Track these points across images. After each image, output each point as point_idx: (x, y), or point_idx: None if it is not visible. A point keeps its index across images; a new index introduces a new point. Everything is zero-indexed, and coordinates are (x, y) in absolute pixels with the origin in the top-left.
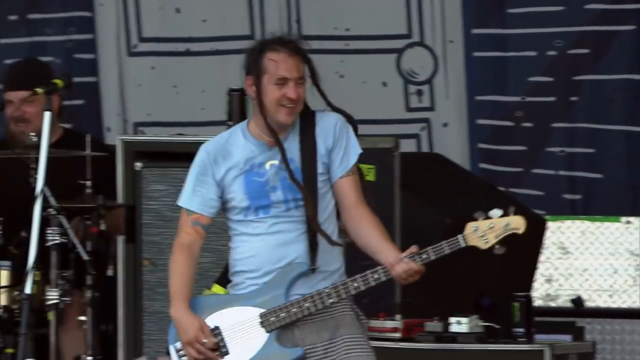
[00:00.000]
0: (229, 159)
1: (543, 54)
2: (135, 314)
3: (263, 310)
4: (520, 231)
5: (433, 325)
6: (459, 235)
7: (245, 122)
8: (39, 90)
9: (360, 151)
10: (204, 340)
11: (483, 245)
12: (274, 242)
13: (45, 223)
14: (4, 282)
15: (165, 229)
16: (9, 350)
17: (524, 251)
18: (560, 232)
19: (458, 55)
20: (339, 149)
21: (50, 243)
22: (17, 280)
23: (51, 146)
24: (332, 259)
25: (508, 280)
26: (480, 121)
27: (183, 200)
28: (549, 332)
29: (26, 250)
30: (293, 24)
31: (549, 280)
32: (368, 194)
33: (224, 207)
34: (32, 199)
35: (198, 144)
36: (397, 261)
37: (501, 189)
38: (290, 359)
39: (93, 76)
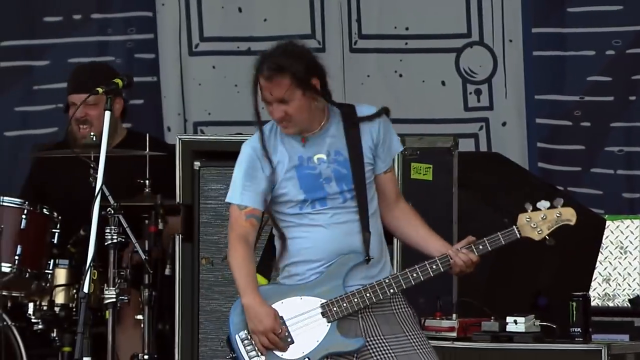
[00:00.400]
0: (275, 154)
1: (602, 53)
2: (192, 313)
3: (324, 301)
4: (572, 222)
5: (490, 325)
6: (513, 226)
7: None
8: (100, 89)
9: (402, 148)
10: (279, 330)
11: (537, 236)
12: (335, 234)
13: (103, 222)
14: (62, 281)
15: (223, 228)
16: (66, 349)
17: (582, 250)
18: (619, 232)
19: (517, 55)
20: (383, 144)
21: (108, 242)
22: (75, 279)
23: (115, 147)
24: (382, 248)
25: (566, 280)
26: (539, 120)
27: (234, 198)
28: (607, 331)
29: (84, 249)
30: (353, 23)
31: (607, 280)
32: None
33: (273, 200)
34: (91, 198)
35: None
36: (455, 252)
37: (560, 188)
38: (353, 348)
39: (153, 76)
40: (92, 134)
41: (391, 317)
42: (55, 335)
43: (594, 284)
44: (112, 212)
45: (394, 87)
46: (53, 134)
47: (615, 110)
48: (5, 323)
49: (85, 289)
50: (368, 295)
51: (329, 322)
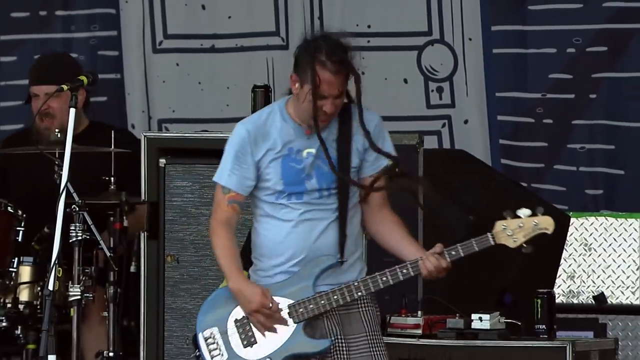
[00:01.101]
0: (268, 140)
1: (562, 51)
2: (158, 310)
3: (291, 302)
4: (549, 231)
5: (455, 322)
6: (488, 233)
7: (283, 101)
8: (65, 86)
9: (395, 155)
10: (270, 305)
11: (512, 244)
12: (305, 230)
13: (68, 219)
14: (27, 278)
15: (189, 225)
16: (31, 346)
17: (546, 247)
18: (583, 229)
19: (477, 53)
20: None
21: (73, 239)
22: (39, 276)
23: (76, 137)
24: (355, 246)
25: (530, 277)
26: (501, 117)
27: (222, 178)
28: (571, 329)
29: (49, 247)
30: (315, 20)
31: (571, 277)
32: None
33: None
34: (56, 195)
35: (222, 140)
36: (427, 257)
37: (524, 184)
38: (318, 350)
39: (117, 73)
40: (56, 130)
41: (355, 316)
42: (19, 332)
43: (558, 281)
44: (77, 209)
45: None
46: (20, 130)
47: (576, 108)
48: None
49: (50, 287)
50: (335, 297)
51: (295, 322)
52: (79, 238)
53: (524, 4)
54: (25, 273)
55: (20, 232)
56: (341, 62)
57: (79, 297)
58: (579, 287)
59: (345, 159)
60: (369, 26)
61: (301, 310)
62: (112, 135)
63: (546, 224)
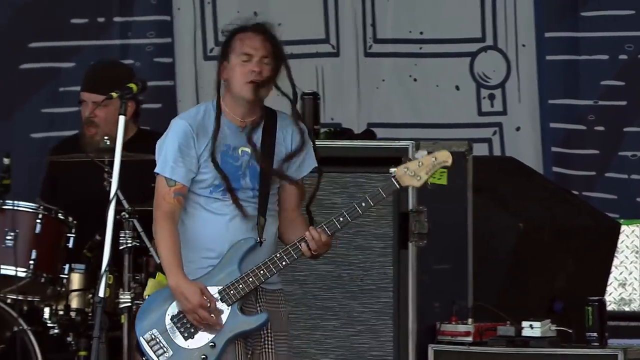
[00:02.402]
0: (206, 136)
1: (615, 57)
2: None
3: (220, 287)
4: (449, 163)
5: (505, 329)
6: (391, 177)
7: (213, 101)
8: (114, 94)
9: (316, 165)
10: (208, 304)
11: (416, 182)
12: (239, 225)
13: (118, 226)
14: (78, 286)
15: None
16: (82, 353)
17: (597, 255)
18: (634, 236)
19: (530, 59)
20: (297, 157)
21: (123, 246)
22: (90, 284)
23: (124, 144)
24: (273, 230)
25: (581, 284)
26: (553, 125)
27: (166, 170)
28: (623, 336)
29: (100, 254)
30: (368, 27)
31: (622, 285)
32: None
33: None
34: (106, 202)
35: None
36: (310, 234)
37: (575, 192)
38: (257, 324)
39: (170, 80)
40: (105, 138)
41: (277, 315)
42: (71, 339)
43: (609, 289)
44: (127, 216)
45: (409, 92)
46: (69, 137)
47: (628, 115)
48: (21, 327)
49: (101, 294)
50: (262, 272)
51: (228, 305)
52: (129, 245)
53: (576, 11)
54: (77, 280)
55: (71, 238)
56: (259, 25)
57: (129, 304)
58: (630, 294)
59: (269, 160)
60: (421, 33)
61: (232, 292)
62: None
63: (444, 157)
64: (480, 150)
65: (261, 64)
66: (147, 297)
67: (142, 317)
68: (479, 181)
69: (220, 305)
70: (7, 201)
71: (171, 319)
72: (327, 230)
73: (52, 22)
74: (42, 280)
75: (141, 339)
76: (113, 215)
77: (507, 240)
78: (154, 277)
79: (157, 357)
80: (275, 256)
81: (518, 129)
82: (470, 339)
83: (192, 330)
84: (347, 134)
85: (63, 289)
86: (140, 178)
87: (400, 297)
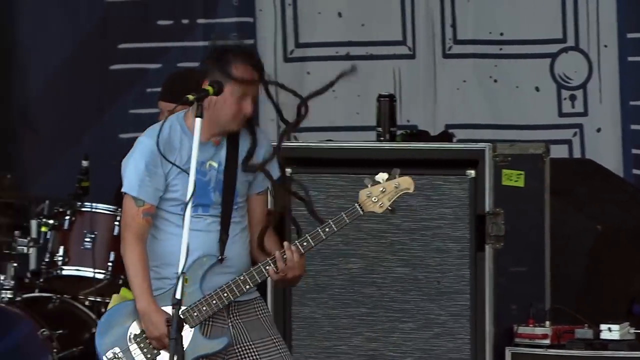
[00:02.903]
0: (173, 152)
1: None
2: (285, 319)
3: (184, 308)
4: (411, 190)
5: (583, 332)
6: (355, 204)
7: (180, 115)
8: (190, 97)
9: (279, 175)
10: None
11: (378, 209)
12: (213, 240)
13: None
14: None
15: None
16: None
17: None
18: None
19: (612, 60)
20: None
21: None
22: None
23: None
24: (240, 250)
25: None
26: (635, 127)
27: (133, 189)
28: None
29: None
30: (448, 28)
31: None
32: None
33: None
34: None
35: (347, 150)
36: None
37: None
38: (218, 348)
39: None
40: None
41: (257, 322)
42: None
43: None
44: None
45: (489, 93)
46: None
47: None
48: None
49: (178, 295)
50: (225, 294)
51: (191, 327)
52: None
53: None
54: None
55: None
56: (258, 64)
57: None
58: None
59: (233, 172)
60: (501, 34)
61: (195, 314)
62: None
63: (406, 184)
64: (560, 151)
65: (252, 103)
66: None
67: (103, 333)
68: (556, 183)
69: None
70: (86, 203)
71: (134, 338)
72: (305, 244)
73: (140, 24)
74: (120, 282)
75: (104, 358)
76: (189, 218)
77: (584, 243)
78: None
79: None
80: (239, 278)
81: (599, 130)
82: (547, 341)
83: (155, 352)
84: (423, 136)
85: None
86: None
87: (477, 299)
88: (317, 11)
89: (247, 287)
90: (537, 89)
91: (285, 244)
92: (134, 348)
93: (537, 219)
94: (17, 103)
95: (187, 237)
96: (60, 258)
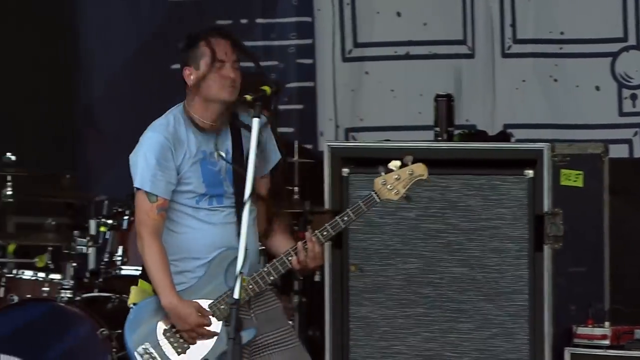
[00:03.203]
0: (182, 146)
1: None
2: (342, 319)
3: (211, 301)
4: (425, 177)
5: None
6: (371, 192)
7: (179, 110)
8: (248, 97)
9: (280, 157)
10: (205, 322)
11: (394, 196)
12: (227, 233)
13: None
14: None
15: (372, 235)
16: None
17: None
18: None
19: None
20: (262, 151)
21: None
22: None
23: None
24: (254, 239)
25: None
26: None
27: (146, 185)
28: None
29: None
30: (507, 28)
31: None
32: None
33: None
34: None
35: (405, 149)
36: (301, 246)
37: None
38: (248, 339)
39: (311, 81)
40: None
41: (272, 313)
42: None
43: None
44: None
45: (549, 92)
46: None
47: None
48: None
49: (236, 295)
50: (251, 287)
51: (219, 320)
52: (263, 247)
53: None
54: None
55: None
56: (224, 30)
57: None
58: None
59: (240, 159)
60: (562, 33)
61: (222, 307)
62: (295, 146)
63: (420, 170)
64: (621, 151)
65: (234, 68)
66: (132, 305)
67: (132, 330)
68: (616, 183)
69: (212, 320)
70: None
71: (163, 333)
72: (325, 234)
73: (200, 23)
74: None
75: (135, 353)
76: (247, 217)
77: None
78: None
79: None
80: (263, 271)
81: None
82: (607, 342)
83: (185, 346)
84: (481, 136)
85: None
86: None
87: (536, 299)
88: (376, 11)
89: (271, 278)
90: (597, 88)
91: (307, 234)
92: (164, 343)
93: (596, 219)
94: (81, 103)
95: (244, 236)
96: (119, 258)
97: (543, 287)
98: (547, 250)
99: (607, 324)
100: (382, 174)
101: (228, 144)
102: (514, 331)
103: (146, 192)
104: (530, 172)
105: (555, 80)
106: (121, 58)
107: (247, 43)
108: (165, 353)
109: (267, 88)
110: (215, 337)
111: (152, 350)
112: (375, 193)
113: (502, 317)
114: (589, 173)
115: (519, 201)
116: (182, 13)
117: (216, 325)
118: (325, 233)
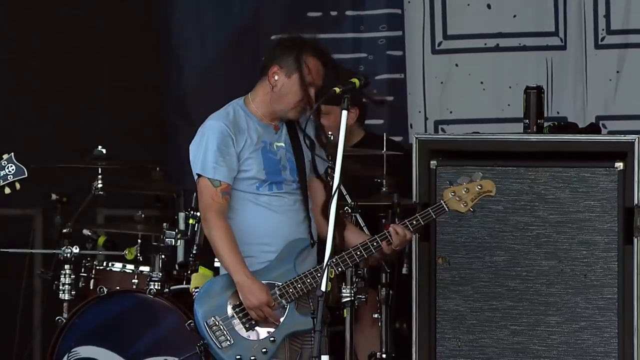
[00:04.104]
0: (243, 134)
1: None
2: (430, 312)
3: (280, 284)
4: (493, 193)
5: None
6: (441, 201)
7: (239, 103)
8: (337, 89)
9: (328, 164)
10: (272, 303)
11: (462, 208)
12: (287, 220)
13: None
14: None
15: (460, 227)
16: None
17: None
18: None
19: None
20: (320, 152)
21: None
22: None
23: (352, 147)
24: (314, 228)
25: None
26: None
27: (208, 171)
28: None
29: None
30: (600, 18)
31: None
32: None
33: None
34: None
35: (493, 142)
36: (394, 228)
37: None
38: (310, 326)
39: (401, 73)
40: (329, 133)
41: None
42: None
43: None
44: (350, 211)
45: None
46: None
47: None
48: None
49: (323, 288)
50: (319, 274)
51: (287, 303)
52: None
53: None
54: None
55: None
56: (322, 51)
57: (351, 298)
58: None
59: (300, 153)
60: None
61: (291, 290)
62: (384, 139)
63: (489, 186)
64: None
65: (315, 92)
66: (194, 290)
67: (201, 302)
68: None
69: (279, 301)
70: None
71: (233, 308)
72: (409, 227)
73: (290, 15)
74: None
75: (203, 322)
76: (335, 210)
77: None
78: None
79: (219, 343)
80: (332, 261)
81: None
82: None
83: (253, 323)
84: (571, 128)
85: None
86: (364, 175)
87: (625, 293)
88: (467, 3)
89: (340, 269)
90: None
91: (392, 227)
92: (233, 317)
93: None
94: (173, 95)
95: (332, 226)
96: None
97: (633, 281)
98: (637, 243)
99: None
100: (453, 185)
101: (284, 137)
102: (602, 325)
103: (209, 179)
104: (620, 165)
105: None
106: (213, 50)
107: (337, 35)
108: (234, 327)
109: (356, 80)
110: (282, 317)
111: (220, 322)
112: (445, 203)
113: (590, 310)
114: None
115: (608, 193)
116: (273, 4)
117: (283, 308)
118: (415, 222)
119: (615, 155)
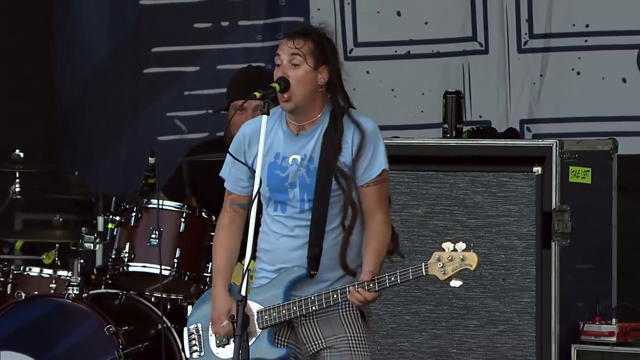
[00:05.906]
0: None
1: None
2: None
3: (261, 307)
4: (473, 268)
5: None
6: (422, 264)
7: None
8: (257, 93)
9: (385, 167)
10: (223, 324)
11: (441, 276)
12: (283, 246)
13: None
14: None
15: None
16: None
17: None
18: None
19: None
20: (364, 158)
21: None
22: None
23: None
24: (335, 266)
25: None
26: None
27: (224, 177)
28: None
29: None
30: (523, 23)
31: None
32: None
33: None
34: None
35: (413, 146)
36: (352, 289)
37: None
38: (275, 357)
39: None
40: None
41: (335, 320)
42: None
43: None
44: None
45: (571, 86)
46: (204, 140)
47: None
48: (165, 325)
49: (243, 292)
50: (294, 308)
51: (260, 328)
52: None
53: None
54: None
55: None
56: (300, 31)
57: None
58: None
59: (327, 169)
60: (587, 25)
61: (266, 317)
62: None
63: (471, 260)
64: None
65: (285, 68)
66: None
67: (196, 307)
68: (625, 180)
69: (254, 325)
70: (152, 200)
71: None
72: (371, 286)
73: (176, 27)
74: (186, 278)
75: (185, 329)
76: (255, 215)
77: None
78: None
79: (190, 353)
80: (310, 297)
81: None
82: (614, 339)
83: (225, 341)
84: (490, 132)
85: (206, 287)
86: None
87: (543, 296)
88: (376, 10)
89: (314, 308)
90: (623, 80)
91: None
92: (211, 331)
93: (604, 216)
94: (63, 101)
95: (252, 232)
96: (127, 254)
97: (550, 284)
98: (554, 247)
99: (614, 321)
100: (445, 249)
101: (310, 146)
102: (520, 328)
103: (225, 185)
104: (538, 169)
105: (579, 73)
106: (100, 56)
107: (230, 46)
108: (208, 339)
109: (276, 85)
110: (251, 342)
111: (200, 331)
112: (426, 266)
113: (508, 313)
114: (597, 170)
115: (526, 198)
116: (155, 15)
117: (256, 331)
118: (371, 285)
119: (533, 160)
